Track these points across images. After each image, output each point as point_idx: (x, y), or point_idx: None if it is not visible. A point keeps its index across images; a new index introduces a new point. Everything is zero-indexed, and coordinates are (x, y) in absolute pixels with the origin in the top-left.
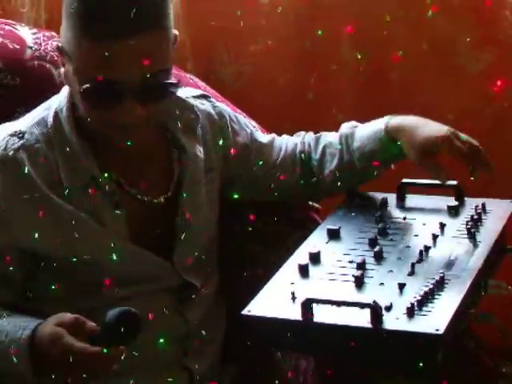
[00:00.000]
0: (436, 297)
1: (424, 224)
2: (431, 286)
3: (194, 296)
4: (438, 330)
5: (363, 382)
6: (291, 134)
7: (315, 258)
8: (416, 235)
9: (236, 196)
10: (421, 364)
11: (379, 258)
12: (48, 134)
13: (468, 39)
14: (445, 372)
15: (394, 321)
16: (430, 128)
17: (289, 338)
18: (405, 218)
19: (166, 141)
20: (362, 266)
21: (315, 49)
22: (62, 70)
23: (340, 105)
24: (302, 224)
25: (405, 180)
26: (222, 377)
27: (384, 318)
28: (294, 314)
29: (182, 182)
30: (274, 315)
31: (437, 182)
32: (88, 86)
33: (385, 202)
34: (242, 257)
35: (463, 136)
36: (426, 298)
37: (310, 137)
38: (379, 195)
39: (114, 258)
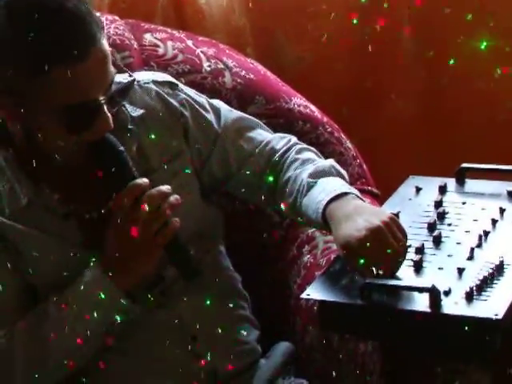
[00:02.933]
0: (495, 282)
1: (483, 209)
2: (490, 271)
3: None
4: (496, 314)
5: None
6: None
7: None
8: (475, 220)
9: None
10: (479, 349)
11: (438, 242)
12: None
13: None
14: (503, 357)
15: (453, 305)
16: (356, 222)
17: (348, 321)
18: (464, 203)
19: None
20: (420, 250)
21: (375, 34)
22: None
23: (399, 90)
24: None
25: (464, 165)
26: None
27: (443, 302)
28: (353, 297)
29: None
30: (333, 299)
31: (497, 166)
32: (69, 112)
33: (444, 186)
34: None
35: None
36: (485, 283)
37: (288, 156)
38: (438, 180)
39: (71, 267)
